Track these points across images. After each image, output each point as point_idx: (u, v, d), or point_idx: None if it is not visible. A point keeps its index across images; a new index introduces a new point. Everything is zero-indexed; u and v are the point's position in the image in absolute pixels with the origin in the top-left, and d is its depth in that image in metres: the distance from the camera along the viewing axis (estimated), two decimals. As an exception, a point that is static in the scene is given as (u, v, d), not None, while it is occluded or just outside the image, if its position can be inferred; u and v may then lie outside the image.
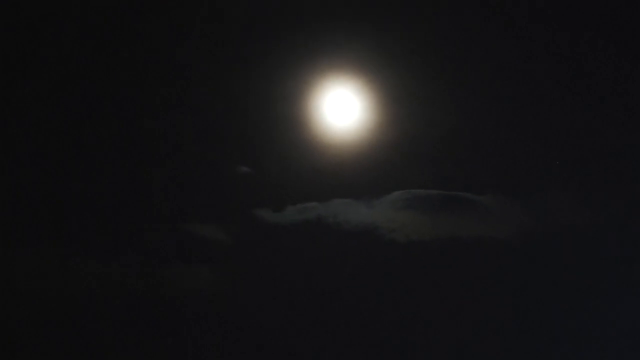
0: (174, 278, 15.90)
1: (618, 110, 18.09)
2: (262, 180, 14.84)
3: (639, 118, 17.65)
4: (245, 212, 15.13)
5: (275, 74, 15.63)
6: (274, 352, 16.27)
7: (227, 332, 15.75)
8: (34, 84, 17.38)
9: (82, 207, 17.15)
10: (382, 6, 15.98)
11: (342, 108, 15.63)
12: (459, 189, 15.97)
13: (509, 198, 15.53)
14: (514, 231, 14.60)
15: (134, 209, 16.76)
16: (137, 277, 16.84)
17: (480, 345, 14.89)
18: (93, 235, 16.17)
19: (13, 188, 16.86)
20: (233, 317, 15.89)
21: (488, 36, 16.48)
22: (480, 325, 15.28)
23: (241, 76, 15.83)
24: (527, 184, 15.92)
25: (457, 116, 15.37)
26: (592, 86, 17.96)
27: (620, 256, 16.23)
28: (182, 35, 16.49)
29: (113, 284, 16.57)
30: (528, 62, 16.54)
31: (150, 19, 15.92)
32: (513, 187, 15.72)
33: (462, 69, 16.50)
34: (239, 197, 15.42)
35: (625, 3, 17.01)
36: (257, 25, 16.51)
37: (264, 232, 15.24)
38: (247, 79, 15.97)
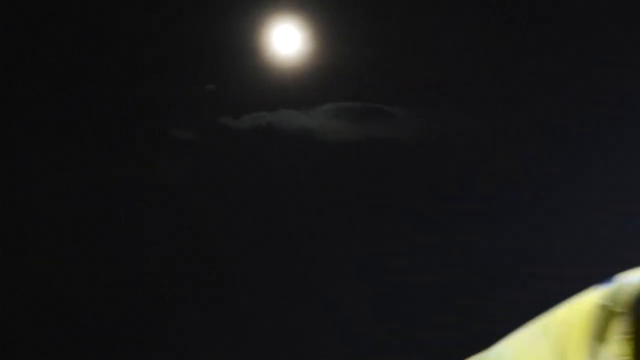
0: (151, 169, 18.45)
1: (513, 34, 20.59)
2: (223, 95, 17.38)
3: (532, 40, 20.13)
4: (211, 119, 17.75)
5: (233, 10, 18.25)
6: (224, 232, 19.45)
7: (187, 217, 18.25)
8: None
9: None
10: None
11: (287, 38, 18.68)
12: (375, 102, 19.31)
13: (412, 109, 18.52)
14: (414, 135, 17.57)
15: (127, 119, 19.33)
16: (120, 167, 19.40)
17: (388, 225, 17.85)
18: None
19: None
20: (195, 205, 18.51)
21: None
22: (384, 208, 18.43)
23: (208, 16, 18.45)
24: (427, 98, 18.92)
25: (376, 46, 18.25)
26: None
27: (498, 160, 19.21)
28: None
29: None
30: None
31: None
32: (416, 100, 18.76)
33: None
34: (206, 108, 17.93)
35: None
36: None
37: (226, 135, 18.18)
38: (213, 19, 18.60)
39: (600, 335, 2.09)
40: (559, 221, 16.21)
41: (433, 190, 19.53)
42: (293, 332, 16.41)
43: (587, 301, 2.25)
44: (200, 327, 15.74)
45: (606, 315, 2.11)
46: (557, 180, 15.76)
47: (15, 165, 19.02)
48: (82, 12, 18.08)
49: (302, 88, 17.24)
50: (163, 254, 18.62)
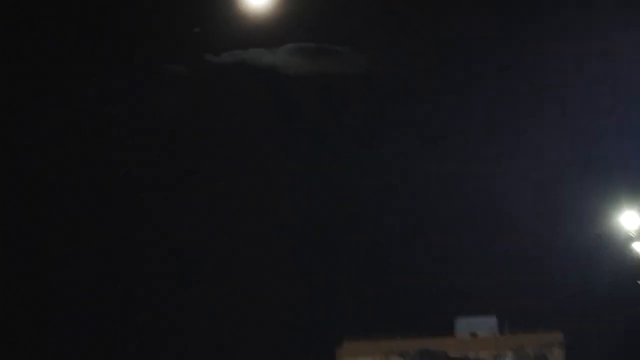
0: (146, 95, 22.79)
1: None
2: (207, 36, 22.88)
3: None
4: (197, 56, 23.44)
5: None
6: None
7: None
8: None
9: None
10: None
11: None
12: (328, 42, 25.93)
13: (358, 48, 24.32)
14: (358, 70, 23.28)
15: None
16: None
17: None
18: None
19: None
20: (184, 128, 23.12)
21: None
22: (334, 131, 24.07)
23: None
24: (370, 39, 25.12)
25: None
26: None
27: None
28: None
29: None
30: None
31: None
32: (362, 41, 25.06)
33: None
34: (193, 46, 23.56)
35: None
36: None
37: (209, 68, 24.24)
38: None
39: None
40: (483, 141, 23.60)
41: (375, 115, 26.49)
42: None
43: None
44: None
45: None
46: (477, 108, 22.69)
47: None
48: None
49: (269, 30, 23.59)
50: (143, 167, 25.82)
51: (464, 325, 65.25)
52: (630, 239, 34.09)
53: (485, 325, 65.18)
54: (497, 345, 61.46)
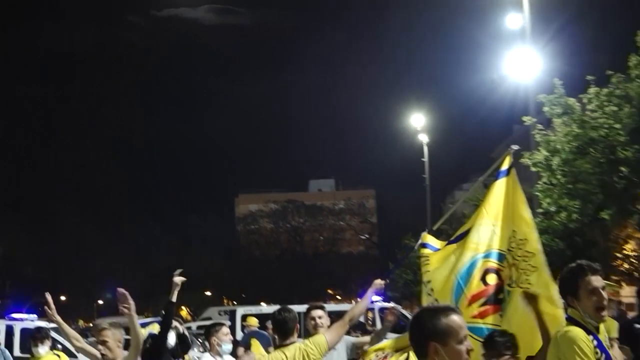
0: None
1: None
2: None
3: None
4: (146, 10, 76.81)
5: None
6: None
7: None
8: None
9: None
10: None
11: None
12: (232, 5, 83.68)
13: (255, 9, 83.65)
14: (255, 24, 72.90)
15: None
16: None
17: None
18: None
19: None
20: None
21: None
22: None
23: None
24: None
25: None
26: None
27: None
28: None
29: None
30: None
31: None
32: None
33: None
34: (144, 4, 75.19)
35: None
36: None
37: (155, 19, 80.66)
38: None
39: None
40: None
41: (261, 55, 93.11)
42: None
43: None
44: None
45: None
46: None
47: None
48: None
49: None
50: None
51: (314, 185, 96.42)
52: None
53: (327, 184, 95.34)
54: (335, 197, 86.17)
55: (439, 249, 5.51)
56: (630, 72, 15.37)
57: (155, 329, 7.14)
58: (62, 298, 57.10)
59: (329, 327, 5.36)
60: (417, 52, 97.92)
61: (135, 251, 61.57)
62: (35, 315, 14.49)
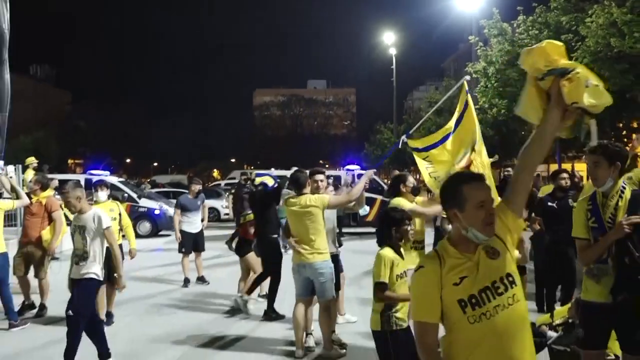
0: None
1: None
2: None
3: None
4: None
5: None
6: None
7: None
8: None
9: None
10: None
11: None
12: None
13: None
14: None
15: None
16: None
17: None
18: None
19: None
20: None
21: None
22: None
23: None
24: None
25: None
26: None
27: None
28: None
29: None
30: None
31: None
32: None
33: None
34: None
35: None
36: None
37: None
38: None
39: None
40: None
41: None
42: None
43: None
44: None
45: None
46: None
47: None
48: None
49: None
50: None
51: (311, 83, 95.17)
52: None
53: (321, 83, 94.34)
54: (326, 93, 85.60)
55: (426, 148, 4.94)
56: (550, 4, 15.12)
57: (268, 180, 7.10)
58: (127, 160, 57.86)
59: (326, 187, 5.32)
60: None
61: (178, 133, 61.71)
62: (108, 172, 14.51)
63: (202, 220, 8.81)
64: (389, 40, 36.25)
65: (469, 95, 4.79)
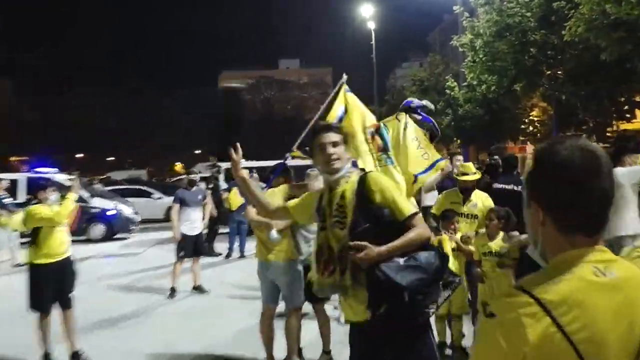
0: None
1: None
2: None
3: None
4: None
5: None
6: None
7: None
8: None
9: None
10: None
11: None
12: None
13: None
14: None
15: None
16: None
17: None
18: None
19: None
20: None
21: None
22: None
23: None
24: None
25: None
26: None
27: None
28: None
29: None
30: None
31: None
32: None
33: None
34: None
35: None
36: None
37: None
38: None
39: None
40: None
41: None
42: None
43: None
44: None
45: None
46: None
47: None
48: None
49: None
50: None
51: (284, 63, 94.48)
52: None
53: (293, 63, 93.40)
54: (299, 74, 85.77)
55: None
56: (541, -32, 15.17)
57: None
58: (78, 155, 56.81)
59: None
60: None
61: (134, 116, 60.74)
62: (56, 169, 14.26)
63: (202, 219, 8.59)
64: (366, 12, 35.78)
65: (349, 95, 4.45)
